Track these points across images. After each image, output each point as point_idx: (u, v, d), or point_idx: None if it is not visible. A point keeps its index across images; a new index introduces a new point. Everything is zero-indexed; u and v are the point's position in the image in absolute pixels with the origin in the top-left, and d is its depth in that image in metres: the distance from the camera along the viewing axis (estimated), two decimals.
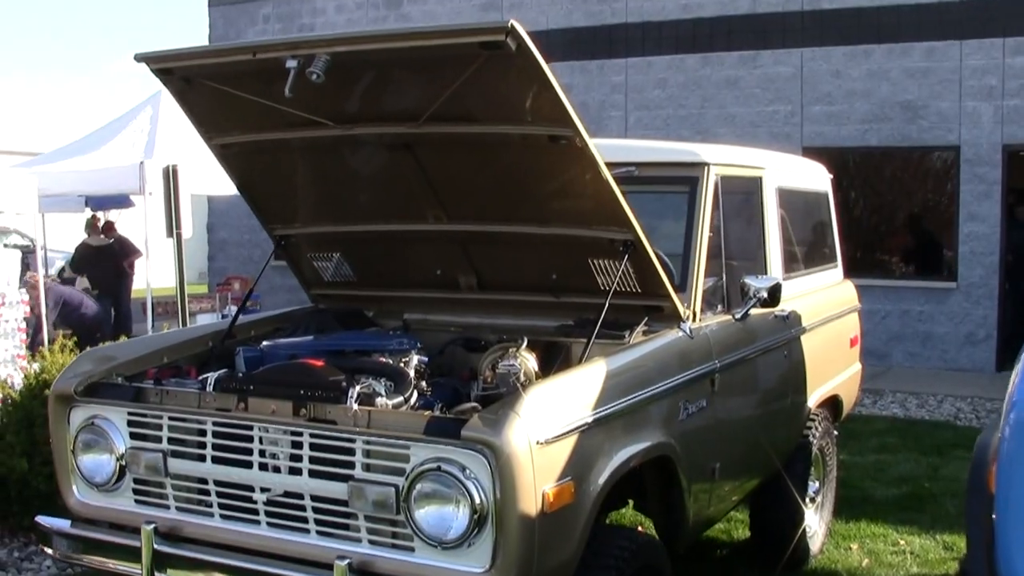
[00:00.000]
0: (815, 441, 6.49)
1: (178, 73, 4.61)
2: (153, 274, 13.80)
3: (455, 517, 3.66)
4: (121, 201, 17.86)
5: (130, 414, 4.37)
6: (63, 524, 4.51)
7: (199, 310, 15.78)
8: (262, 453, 4.05)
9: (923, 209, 15.11)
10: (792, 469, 6.23)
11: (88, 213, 17.71)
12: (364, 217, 5.29)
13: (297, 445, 3.97)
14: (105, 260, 15.74)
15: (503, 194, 4.81)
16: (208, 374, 4.37)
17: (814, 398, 6.55)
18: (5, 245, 19.26)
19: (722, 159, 5.57)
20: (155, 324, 13.11)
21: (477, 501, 3.62)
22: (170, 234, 8.94)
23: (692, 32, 15.84)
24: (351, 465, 3.86)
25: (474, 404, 4.16)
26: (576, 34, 16.33)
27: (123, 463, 4.36)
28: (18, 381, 7.44)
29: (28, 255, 16.98)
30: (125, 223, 18.61)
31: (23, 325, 11.10)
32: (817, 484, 6.72)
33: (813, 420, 6.52)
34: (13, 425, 6.70)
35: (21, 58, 77.16)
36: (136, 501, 4.42)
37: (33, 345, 11.08)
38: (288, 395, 4.05)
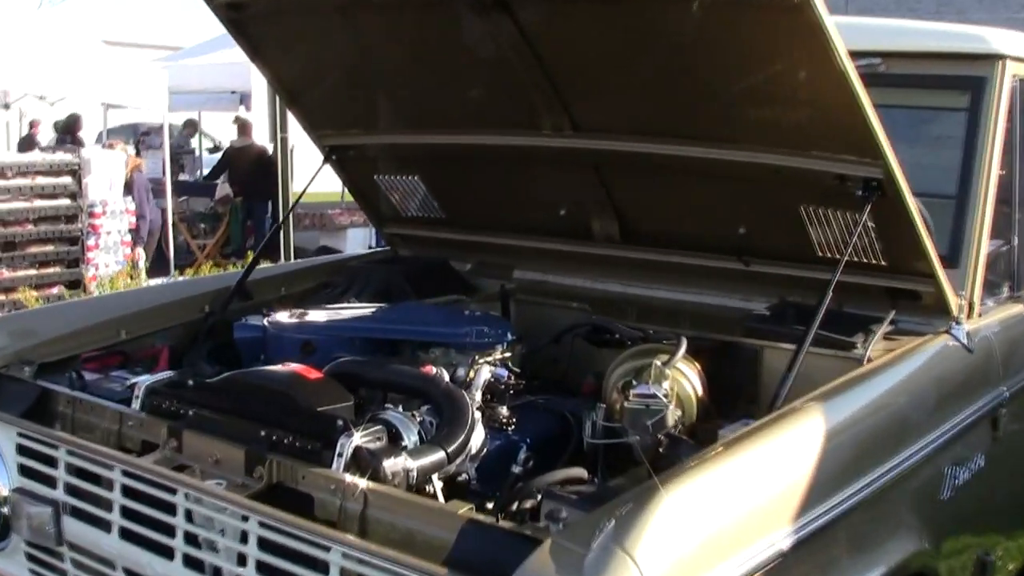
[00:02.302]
0: None
1: None
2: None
3: None
4: None
5: (20, 434, 2.65)
6: None
7: (350, 224, 14.19)
8: (191, 538, 2.27)
9: None
10: None
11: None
12: (450, 122, 3.46)
13: (244, 537, 2.17)
14: (249, 164, 14.29)
15: (664, 91, 2.93)
16: (140, 379, 2.62)
17: None
18: (179, 148, 17.90)
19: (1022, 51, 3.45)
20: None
21: None
22: (273, 138, 7.29)
23: None
24: None
25: (574, 473, 2.30)
26: None
27: (6, 511, 2.67)
28: None
29: (183, 156, 15.83)
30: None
31: (127, 238, 9.76)
32: None
33: None
34: None
35: None
36: (31, 572, 2.72)
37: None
38: (243, 435, 2.29)
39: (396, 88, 3.50)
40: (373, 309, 3.22)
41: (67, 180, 9.00)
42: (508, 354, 2.99)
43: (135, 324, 3.22)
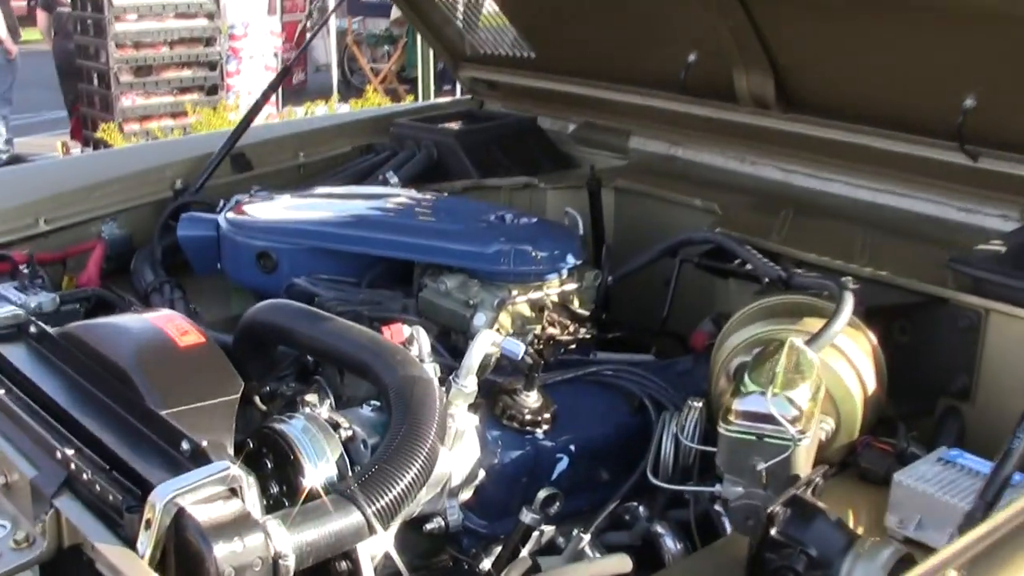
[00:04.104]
0: None
1: None
2: None
3: None
4: None
5: None
6: None
7: None
8: None
9: None
10: None
11: None
12: None
13: None
14: None
15: None
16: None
17: None
18: None
19: None
20: None
21: None
22: None
23: None
24: None
25: (611, 568, 1.28)
26: None
27: None
28: None
29: None
30: None
31: (272, 64, 8.89)
32: None
33: None
34: None
35: None
36: None
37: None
38: (40, 450, 1.34)
39: None
40: (381, 200, 2.17)
41: None
42: (572, 286, 1.91)
43: (64, 207, 2.27)
